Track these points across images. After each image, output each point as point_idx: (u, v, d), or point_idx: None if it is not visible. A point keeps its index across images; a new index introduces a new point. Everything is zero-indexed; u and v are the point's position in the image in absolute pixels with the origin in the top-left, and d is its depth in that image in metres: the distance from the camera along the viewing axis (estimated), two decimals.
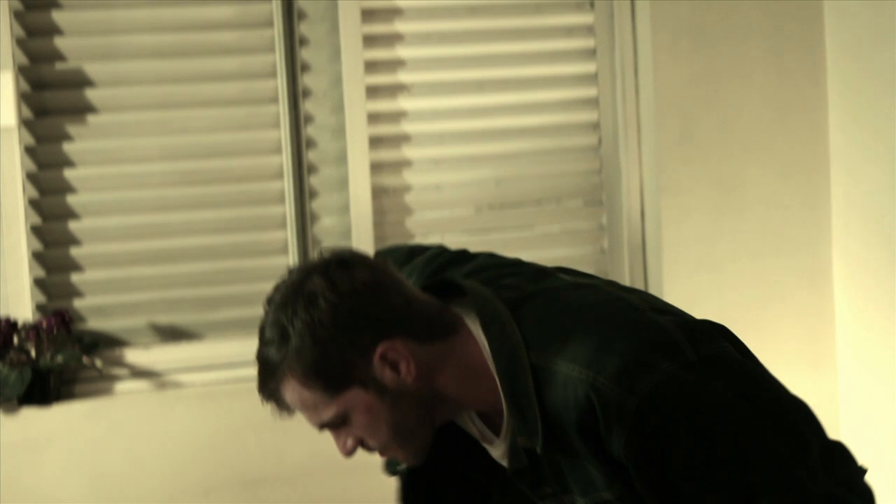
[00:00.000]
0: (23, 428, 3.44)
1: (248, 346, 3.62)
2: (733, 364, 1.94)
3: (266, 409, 3.56)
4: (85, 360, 3.51)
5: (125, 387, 3.59)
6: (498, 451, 2.11)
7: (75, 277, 3.62)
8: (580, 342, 1.95)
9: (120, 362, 3.60)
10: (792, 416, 1.92)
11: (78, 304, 3.61)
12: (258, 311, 3.64)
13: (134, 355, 3.61)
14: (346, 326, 1.99)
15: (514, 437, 2.02)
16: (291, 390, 2.03)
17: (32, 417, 3.45)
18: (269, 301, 2.07)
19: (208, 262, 3.69)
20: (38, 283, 3.59)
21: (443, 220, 3.84)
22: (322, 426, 2.06)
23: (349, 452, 2.08)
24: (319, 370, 1.99)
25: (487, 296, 2.06)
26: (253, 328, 3.61)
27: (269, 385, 2.06)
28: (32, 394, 3.43)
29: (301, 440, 3.57)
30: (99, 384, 3.57)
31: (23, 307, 3.54)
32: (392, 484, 3.57)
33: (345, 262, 2.04)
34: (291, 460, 3.58)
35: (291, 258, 3.68)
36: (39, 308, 3.57)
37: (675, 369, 1.89)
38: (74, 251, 3.61)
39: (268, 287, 3.63)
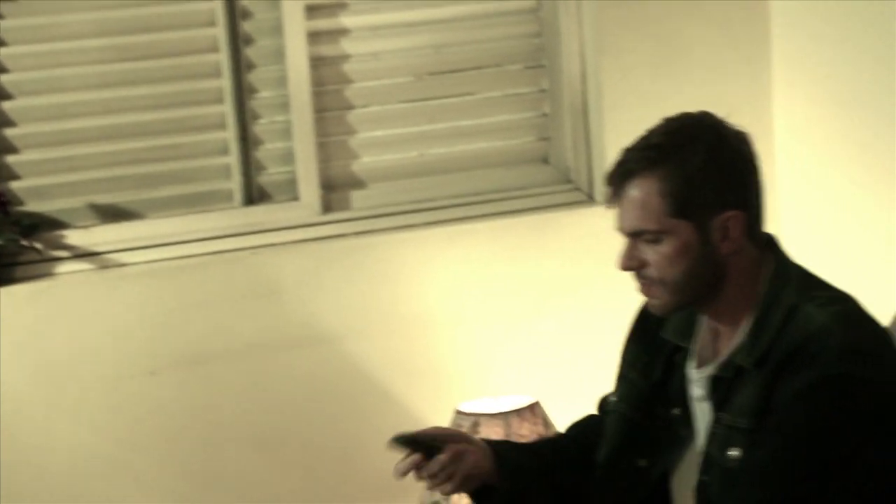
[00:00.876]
0: None
1: (189, 224, 3.64)
2: None
3: (209, 288, 3.57)
4: (24, 242, 3.47)
5: (67, 268, 3.55)
6: (702, 373, 2.32)
7: (11, 159, 3.56)
8: (839, 308, 2.22)
9: (61, 244, 3.56)
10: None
11: (15, 186, 3.55)
12: (199, 187, 3.68)
13: (75, 236, 3.57)
14: (728, 178, 2.24)
15: (736, 355, 2.26)
16: (645, 187, 2.22)
17: None
18: (670, 119, 2.30)
19: (146, 139, 3.63)
20: None
21: (383, 89, 3.79)
22: (635, 232, 2.26)
23: (628, 267, 2.29)
24: (685, 191, 2.21)
25: (790, 256, 2.34)
26: (194, 205, 3.65)
27: (627, 171, 2.25)
28: None
29: (248, 316, 3.57)
30: (40, 267, 3.53)
31: None
32: (336, 354, 3.59)
33: (747, 139, 2.31)
34: (238, 337, 3.57)
35: (230, 132, 3.63)
36: None
37: (882, 384, 2.15)
38: (9, 132, 3.55)
39: (207, 162, 3.66)
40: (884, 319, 3.01)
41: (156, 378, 3.52)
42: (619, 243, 3.72)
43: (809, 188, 3.80)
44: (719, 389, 2.29)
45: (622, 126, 3.74)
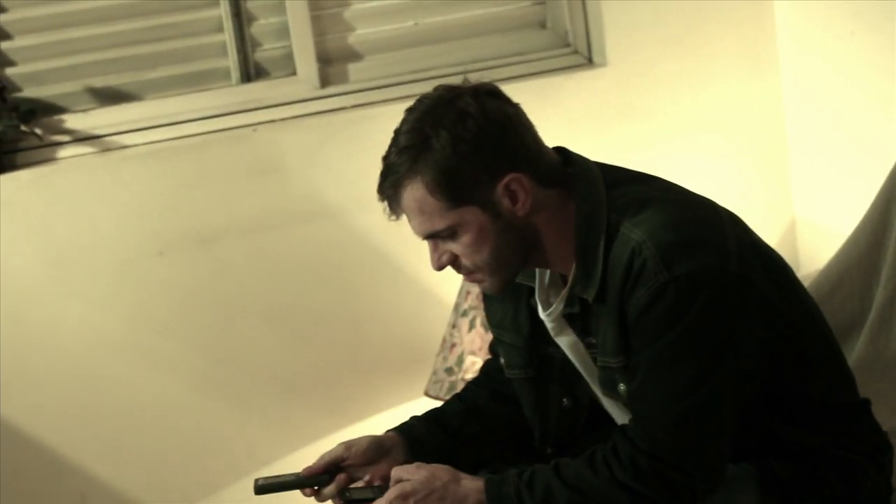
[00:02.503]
0: None
1: (187, 103, 3.63)
2: (751, 296, 2.16)
3: (211, 167, 3.58)
4: (24, 128, 3.46)
5: (68, 153, 3.54)
6: (552, 312, 2.30)
7: (5, 45, 3.53)
8: (652, 213, 2.16)
9: (60, 129, 3.56)
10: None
11: (11, 72, 3.54)
12: (194, 66, 3.66)
13: (74, 120, 3.56)
14: (486, 148, 2.15)
15: (574, 287, 2.22)
16: (414, 194, 2.16)
17: None
18: (411, 110, 2.20)
19: (140, 20, 3.61)
20: None
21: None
22: (429, 235, 2.20)
23: (441, 267, 2.24)
24: (450, 180, 2.14)
25: (589, 165, 2.25)
26: (192, 85, 3.63)
27: (391, 185, 2.18)
28: None
29: (251, 193, 3.57)
30: (41, 152, 3.53)
31: None
32: (341, 227, 3.60)
33: (494, 92, 2.21)
34: (243, 214, 3.58)
35: (223, 9, 3.60)
36: None
37: (712, 269, 2.11)
38: (2, 18, 3.52)
39: (202, 41, 3.63)
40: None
41: (163, 257, 3.54)
42: (621, 105, 3.77)
43: (810, 34, 3.78)
44: (575, 325, 2.29)
45: None
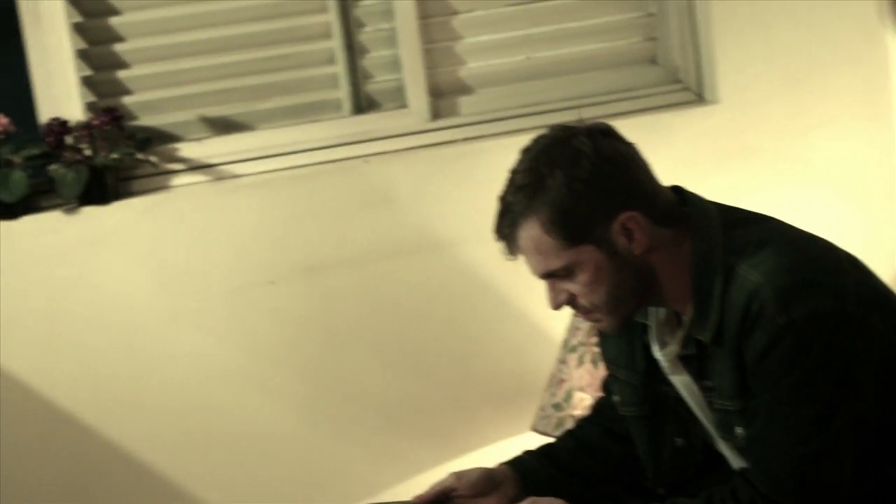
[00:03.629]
0: (84, 227, 3.45)
1: (300, 134, 3.66)
2: (869, 338, 2.14)
3: (322, 197, 3.60)
4: (139, 156, 3.51)
5: (182, 181, 3.59)
6: (668, 351, 2.30)
7: (122, 74, 3.59)
8: (769, 254, 2.15)
9: (174, 157, 3.60)
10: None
11: (127, 101, 3.59)
12: (307, 97, 3.69)
13: (188, 149, 3.61)
14: (601, 187, 2.15)
15: (691, 328, 2.22)
16: (531, 233, 2.18)
17: (94, 216, 3.46)
18: (527, 150, 2.23)
19: (254, 51, 3.65)
20: (86, 82, 3.57)
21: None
22: (545, 274, 2.22)
23: (559, 306, 2.26)
24: (566, 219, 2.15)
25: (705, 205, 2.26)
26: (304, 116, 3.66)
27: (508, 225, 2.21)
28: (91, 193, 3.44)
29: (361, 224, 3.59)
30: (155, 180, 3.57)
31: (72, 107, 3.52)
32: (450, 260, 3.60)
33: (608, 131, 2.23)
34: (353, 245, 3.59)
35: (336, 41, 3.64)
36: (89, 107, 3.55)
37: (830, 311, 2.10)
38: (119, 47, 3.58)
39: (315, 72, 3.67)
40: None
41: (274, 287, 3.56)
42: (731, 143, 3.74)
43: None
44: (690, 366, 2.28)
45: (730, 22, 3.71)
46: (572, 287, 2.22)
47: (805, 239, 2.25)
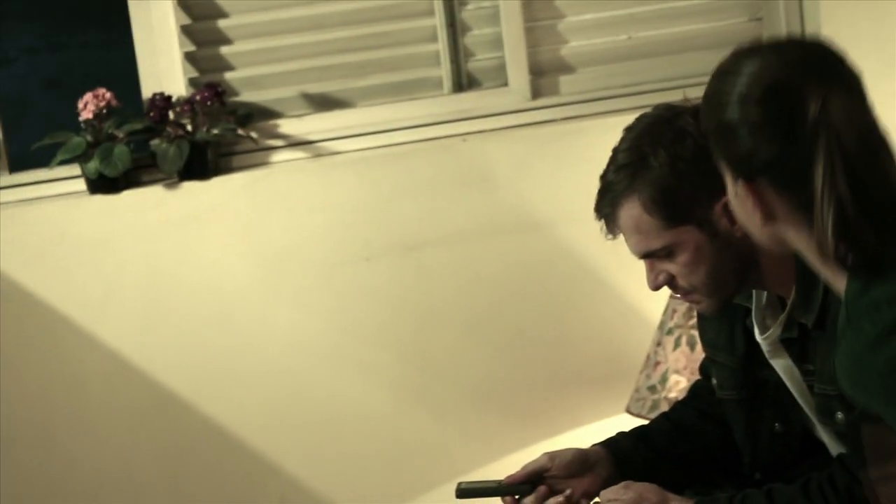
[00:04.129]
0: (186, 202, 3.49)
1: (399, 111, 3.66)
2: None
3: (420, 175, 3.59)
4: (240, 131, 3.54)
5: (281, 157, 3.61)
6: (769, 336, 2.25)
7: (224, 50, 3.62)
8: None
9: (274, 133, 3.62)
10: None
11: (229, 76, 3.62)
12: (407, 75, 3.69)
13: (288, 125, 3.63)
14: (704, 169, 2.05)
15: (792, 312, 2.18)
16: (631, 212, 2.16)
17: (194, 191, 3.49)
18: (630, 129, 2.21)
19: (355, 28, 3.66)
20: (189, 58, 3.60)
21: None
22: (645, 254, 2.20)
23: (658, 287, 2.23)
24: (667, 199, 2.13)
25: None
26: (404, 93, 3.66)
27: (609, 204, 2.19)
28: (192, 168, 3.47)
29: (459, 203, 3.58)
30: (255, 156, 3.60)
31: (175, 82, 3.56)
32: (548, 240, 3.58)
33: None
34: (450, 223, 3.59)
35: (438, 18, 3.63)
36: (192, 82, 3.59)
37: None
38: (222, 23, 3.61)
39: (416, 49, 3.66)
40: None
41: (370, 264, 3.57)
42: None
43: None
44: (792, 350, 2.24)
45: (839, 1, 3.63)
46: (672, 268, 2.19)
47: None
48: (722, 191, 2.05)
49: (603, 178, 2.21)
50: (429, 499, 3.68)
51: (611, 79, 3.73)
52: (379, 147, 3.63)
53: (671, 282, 2.21)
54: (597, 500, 2.36)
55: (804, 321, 2.18)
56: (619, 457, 2.44)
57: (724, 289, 2.20)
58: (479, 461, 3.66)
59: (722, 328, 2.37)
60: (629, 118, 3.55)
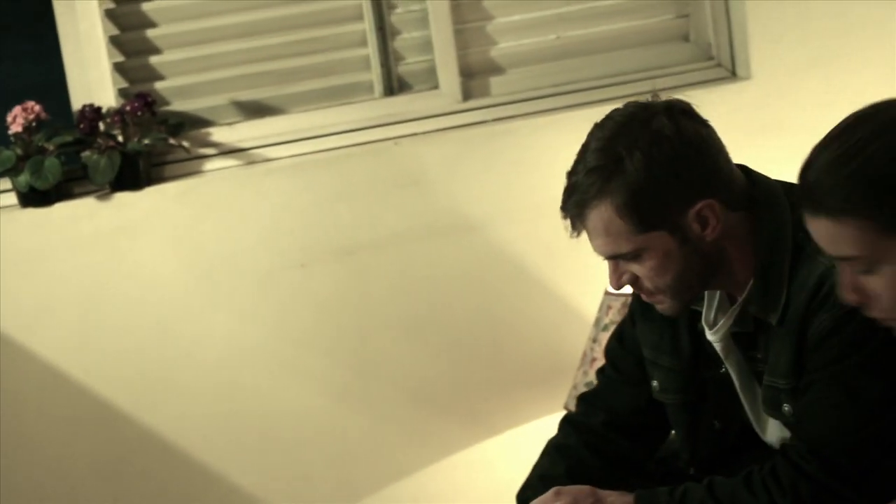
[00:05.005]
0: (119, 213, 3.47)
1: (331, 117, 3.66)
2: None
3: (353, 179, 3.60)
4: (172, 141, 3.52)
5: (214, 165, 3.60)
6: (719, 330, 2.23)
7: (154, 59, 3.60)
8: None
9: (206, 142, 3.61)
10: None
11: (159, 86, 3.61)
12: (338, 80, 3.69)
13: (220, 133, 3.62)
14: (680, 174, 2.07)
15: (747, 306, 2.16)
16: (602, 216, 2.10)
17: (127, 202, 3.48)
18: (601, 127, 2.13)
19: (285, 34, 3.65)
20: (118, 68, 3.58)
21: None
22: (612, 256, 2.15)
23: (621, 286, 2.19)
24: (641, 204, 2.07)
25: (772, 182, 2.20)
26: (336, 98, 3.66)
27: (577, 205, 2.12)
28: (124, 179, 3.46)
29: (393, 206, 3.58)
30: (188, 165, 3.58)
31: (105, 93, 3.54)
32: (482, 241, 3.60)
33: (688, 111, 2.15)
34: (384, 227, 3.59)
35: (367, 23, 3.63)
36: (122, 93, 3.57)
37: None
38: (151, 33, 3.59)
39: (346, 54, 3.66)
40: None
41: (307, 269, 3.57)
42: (765, 119, 3.71)
43: None
44: (740, 343, 2.23)
45: None
46: (638, 269, 2.15)
47: None
48: (696, 197, 2.08)
49: (571, 175, 2.14)
50: (373, 502, 3.68)
51: (540, 79, 3.75)
52: (312, 153, 3.62)
53: (635, 282, 2.18)
54: None
55: (763, 317, 2.16)
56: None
57: (689, 291, 2.18)
58: (422, 462, 3.67)
59: (665, 331, 2.34)
60: (559, 118, 3.64)
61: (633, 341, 2.44)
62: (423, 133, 3.66)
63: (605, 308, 3.40)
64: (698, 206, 2.09)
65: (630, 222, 2.09)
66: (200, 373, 3.55)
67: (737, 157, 3.57)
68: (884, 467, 2.08)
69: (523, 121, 3.66)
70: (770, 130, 3.72)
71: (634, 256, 2.13)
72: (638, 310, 2.40)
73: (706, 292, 2.25)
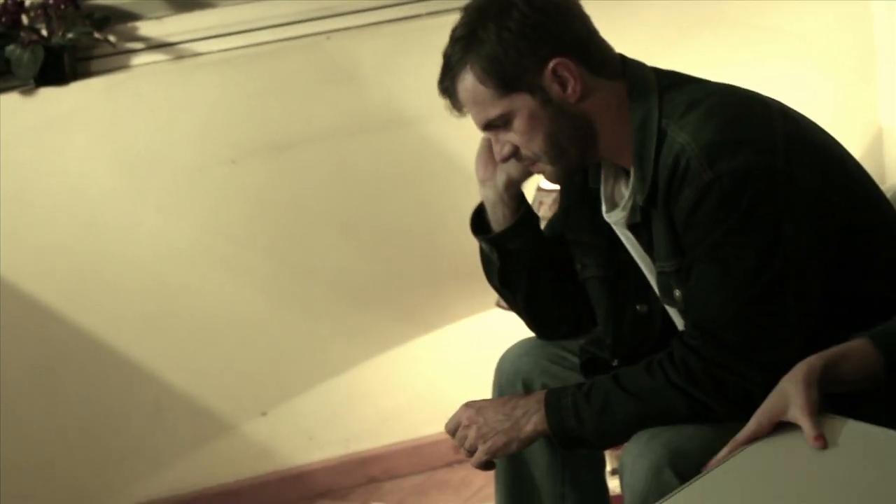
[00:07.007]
0: (42, 108, 3.41)
1: (262, 10, 3.59)
2: (800, 192, 2.13)
3: (285, 74, 3.55)
4: (97, 35, 3.46)
5: (141, 60, 3.54)
6: (615, 219, 2.35)
7: None
8: (697, 114, 2.17)
9: (134, 36, 3.54)
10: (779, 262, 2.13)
11: None
12: None
13: (147, 27, 3.55)
14: (529, 35, 2.21)
15: (635, 196, 2.26)
16: (465, 84, 2.25)
17: (51, 97, 3.41)
18: (465, 8, 2.31)
19: None
20: None
21: None
22: (486, 125, 2.30)
23: (505, 158, 2.33)
24: (497, 67, 2.22)
25: (645, 69, 2.30)
26: None
27: (448, 78, 2.28)
28: (48, 74, 3.39)
29: (326, 101, 3.54)
30: (115, 60, 3.52)
31: None
32: (417, 136, 3.57)
33: None
34: (318, 123, 3.55)
35: None
36: None
37: (756, 166, 2.11)
38: None
39: None
40: None
41: (237, 166, 3.53)
42: (705, 12, 3.68)
43: None
44: (640, 235, 2.31)
45: None
46: (513, 137, 2.27)
47: (736, 96, 2.24)
48: (549, 56, 2.21)
49: (444, 54, 2.30)
50: (306, 398, 3.68)
51: None
52: (242, 47, 3.57)
53: (516, 153, 2.30)
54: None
55: (638, 201, 2.25)
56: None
57: (565, 156, 2.27)
58: (356, 360, 3.67)
59: (584, 212, 2.44)
60: None
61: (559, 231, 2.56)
62: (356, 27, 3.60)
63: (536, 204, 3.38)
64: (551, 63, 2.21)
65: (491, 86, 2.23)
66: (131, 270, 3.52)
67: (674, 50, 3.58)
68: (788, 335, 2.11)
69: (457, 14, 3.59)
70: (709, 24, 3.71)
71: (505, 122, 2.26)
72: (566, 199, 2.52)
73: (602, 174, 2.36)
